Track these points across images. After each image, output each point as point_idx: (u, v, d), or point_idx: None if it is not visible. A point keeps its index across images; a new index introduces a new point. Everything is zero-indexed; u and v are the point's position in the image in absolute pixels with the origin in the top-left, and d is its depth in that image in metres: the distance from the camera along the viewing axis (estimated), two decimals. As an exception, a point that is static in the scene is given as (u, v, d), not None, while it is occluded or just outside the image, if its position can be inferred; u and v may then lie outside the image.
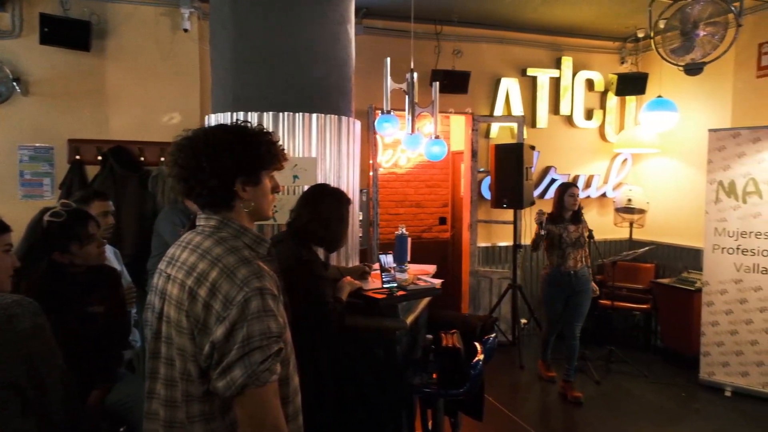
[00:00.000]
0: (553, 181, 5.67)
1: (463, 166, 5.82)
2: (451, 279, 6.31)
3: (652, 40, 4.45)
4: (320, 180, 2.79)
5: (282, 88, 2.76)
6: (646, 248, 5.05)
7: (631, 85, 5.33)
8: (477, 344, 2.60)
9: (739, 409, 3.90)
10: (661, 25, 4.29)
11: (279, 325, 1.17)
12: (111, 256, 2.69)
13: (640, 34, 5.41)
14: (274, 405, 1.16)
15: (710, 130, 4.33)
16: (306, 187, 2.65)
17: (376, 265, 2.86)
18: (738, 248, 4.12)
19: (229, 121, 1.48)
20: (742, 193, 4.12)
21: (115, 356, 2.35)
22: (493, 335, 2.78)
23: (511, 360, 4.86)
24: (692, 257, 4.95)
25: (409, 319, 2.56)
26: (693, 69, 4.17)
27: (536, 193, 5.58)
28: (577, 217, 4.11)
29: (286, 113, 2.72)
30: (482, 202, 5.47)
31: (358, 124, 3.12)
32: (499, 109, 5.47)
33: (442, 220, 6.53)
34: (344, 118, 2.92)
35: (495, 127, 5.53)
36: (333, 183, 2.85)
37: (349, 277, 2.50)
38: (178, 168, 1.25)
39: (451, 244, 6.46)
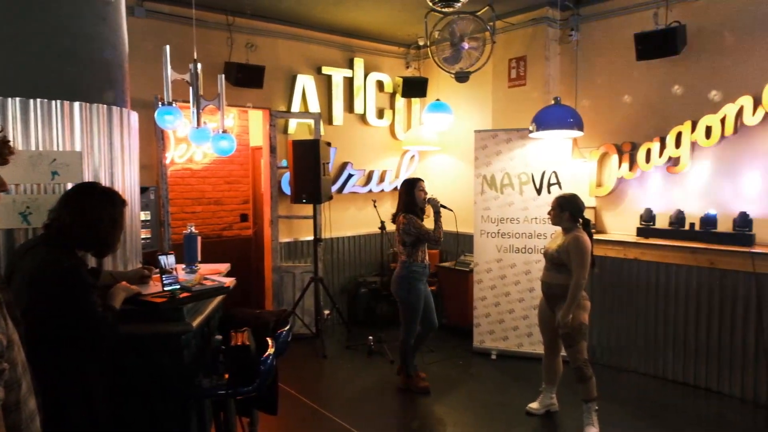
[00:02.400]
0: (350, 176, 5.96)
1: (263, 162, 5.75)
2: (254, 276, 6.23)
3: (428, 49, 4.96)
4: (88, 177, 2.49)
5: (32, 72, 2.38)
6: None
7: (415, 88, 5.86)
8: (269, 339, 2.60)
9: (502, 368, 4.63)
10: (436, 35, 4.81)
11: (-1, 343, 1.02)
12: None
13: (421, 42, 5.98)
14: (-4, 435, 1.01)
15: (476, 131, 5.00)
16: (69, 185, 2.36)
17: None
18: (498, 232, 4.86)
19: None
20: (500, 185, 4.86)
21: None
22: (286, 328, 2.81)
23: (314, 351, 5.00)
24: (467, 242, 5.65)
25: (196, 322, 2.45)
26: (461, 77, 4.77)
27: (334, 188, 5.80)
28: (423, 212, 4.08)
29: (38, 100, 2.36)
30: (283, 197, 5.49)
31: (135, 115, 2.86)
32: (296, 106, 5.53)
33: (244, 217, 6.38)
34: (116, 108, 2.65)
35: (293, 123, 5.59)
36: (105, 180, 2.58)
37: (124, 283, 2.29)
38: None
39: (254, 241, 6.35)
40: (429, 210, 4.09)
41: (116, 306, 2.13)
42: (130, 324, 2.25)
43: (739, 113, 3.92)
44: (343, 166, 5.92)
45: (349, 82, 5.92)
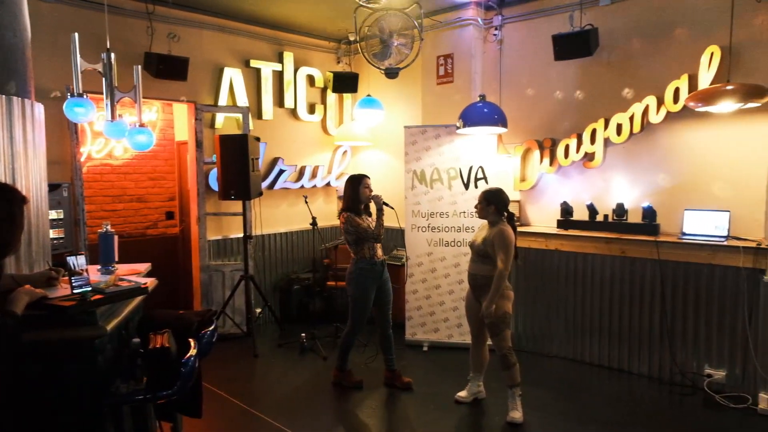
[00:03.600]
0: (281, 172, 5.86)
1: (189, 157, 5.54)
2: (182, 275, 6.02)
3: (358, 45, 4.96)
4: (-16, 173, 2.31)
5: None
6: (363, 231, 5.64)
7: (345, 83, 5.84)
8: (191, 340, 2.52)
9: (433, 359, 4.74)
10: (366, 31, 4.81)
11: None
12: None
13: (352, 38, 5.97)
14: None
15: (405, 127, 5.06)
16: (-39, 182, 2.18)
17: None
18: (429, 226, 4.96)
19: None
20: (429, 180, 4.95)
21: None
22: (210, 328, 2.73)
23: (245, 351, 4.90)
24: (400, 237, 5.73)
25: (112, 325, 2.33)
26: (391, 73, 4.80)
27: (265, 184, 5.69)
28: (368, 209, 4.06)
29: None
30: (211, 194, 5.32)
31: (39, 107, 2.68)
32: (223, 99, 5.37)
33: (170, 215, 6.13)
34: (17, 99, 2.47)
35: (220, 117, 5.42)
36: (5, 177, 2.40)
37: (27, 286, 2.14)
38: None
39: (181, 239, 6.13)
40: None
41: (18, 311, 1.98)
42: (37, 331, 2.11)
43: (645, 112, 4.21)
44: (274, 161, 5.82)
45: (278, 76, 5.82)
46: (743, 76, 3.74)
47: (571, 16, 4.36)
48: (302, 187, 6.05)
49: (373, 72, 5.42)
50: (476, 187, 4.79)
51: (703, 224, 3.97)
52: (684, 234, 4.04)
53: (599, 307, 4.46)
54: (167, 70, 4.68)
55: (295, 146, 6.03)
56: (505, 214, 3.67)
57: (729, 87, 3.50)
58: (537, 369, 4.49)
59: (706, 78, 3.87)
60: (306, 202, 5.34)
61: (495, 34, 5.07)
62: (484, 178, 4.83)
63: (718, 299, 3.89)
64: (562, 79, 4.74)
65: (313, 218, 5.18)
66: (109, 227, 2.94)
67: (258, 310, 5.54)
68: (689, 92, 3.93)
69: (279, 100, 5.85)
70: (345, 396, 4.04)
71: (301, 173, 6.08)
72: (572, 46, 4.23)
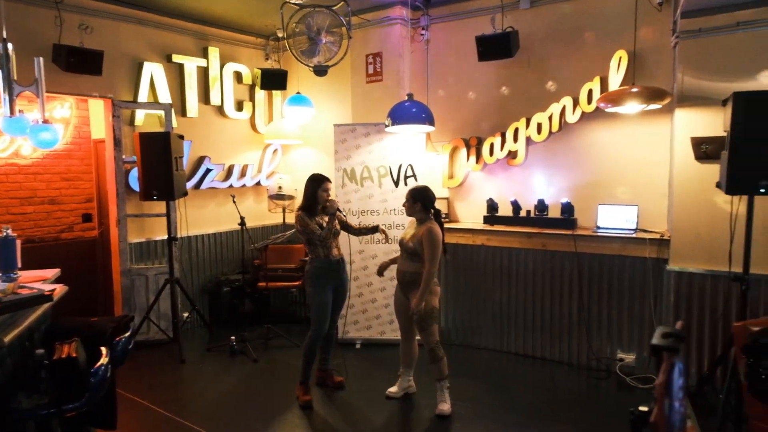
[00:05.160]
0: (208, 171, 5.67)
1: (107, 156, 5.25)
2: (102, 281, 5.72)
3: (286, 41, 4.88)
4: None
5: None
6: (293, 230, 5.57)
7: (274, 80, 5.73)
8: (103, 348, 2.39)
9: (366, 356, 4.76)
10: (294, 27, 4.74)
11: None
12: None
13: (280, 34, 5.86)
14: None
15: (335, 125, 5.05)
16: None
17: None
18: (359, 225, 4.95)
19: None
20: (360, 178, 4.97)
21: None
22: (126, 335, 2.61)
23: (171, 357, 4.72)
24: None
25: (11, 336, 2.17)
26: (320, 70, 4.75)
27: (191, 183, 5.49)
28: (325, 210, 3.96)
29: None
30: (131, 194, 5.07)
31: (-76, 101, 2.45)
32: (143, 95, 5.12)
33: (87, 217, 5.79)
34: None
35: (141, 114, 5.17)
36: None
37: None
38: None
39: (100, 242, 5.80)
40: None
41: None
42: None
43: (563, 112, 4.43)
44: (200, 160, 5.62)
45: (203, 72, 5.63)
46: (647, 79, 4.02)
47: (493, 19, 4.50)
48: (231, 186, 5.89)
49: (303, 69, 5.35)
50: (406, 184, 4.84)
51: (615, 218, 4.23)
52: (598, 228, 4.28)
53: (523, 298, 4.65)
54: (79, 64, 4.40)
55: (222, 144, 5.86)
56: (432, 211, 3.73)
57: (634, 89, 3.74)
58: (465, 361, 4.62)
59: (615, 80, 4.11)
60: (234, 202, 5.21)
61: (422, 34, 5.15)
62: (414, 175, 4.90)
63: (628, 288, 4.16)
64: (486, 79, 4.89)
65: (242, 218, 5.07)
66: (9, 231, 2.74)
67: (185, 314, 5.34)
68: (601, 93, 4.17)
69: (204, 97, 5.66)
70: (276, 398, 3.98)
71: (229, 172, 5.92)
72: (495, 47, 4.37)
